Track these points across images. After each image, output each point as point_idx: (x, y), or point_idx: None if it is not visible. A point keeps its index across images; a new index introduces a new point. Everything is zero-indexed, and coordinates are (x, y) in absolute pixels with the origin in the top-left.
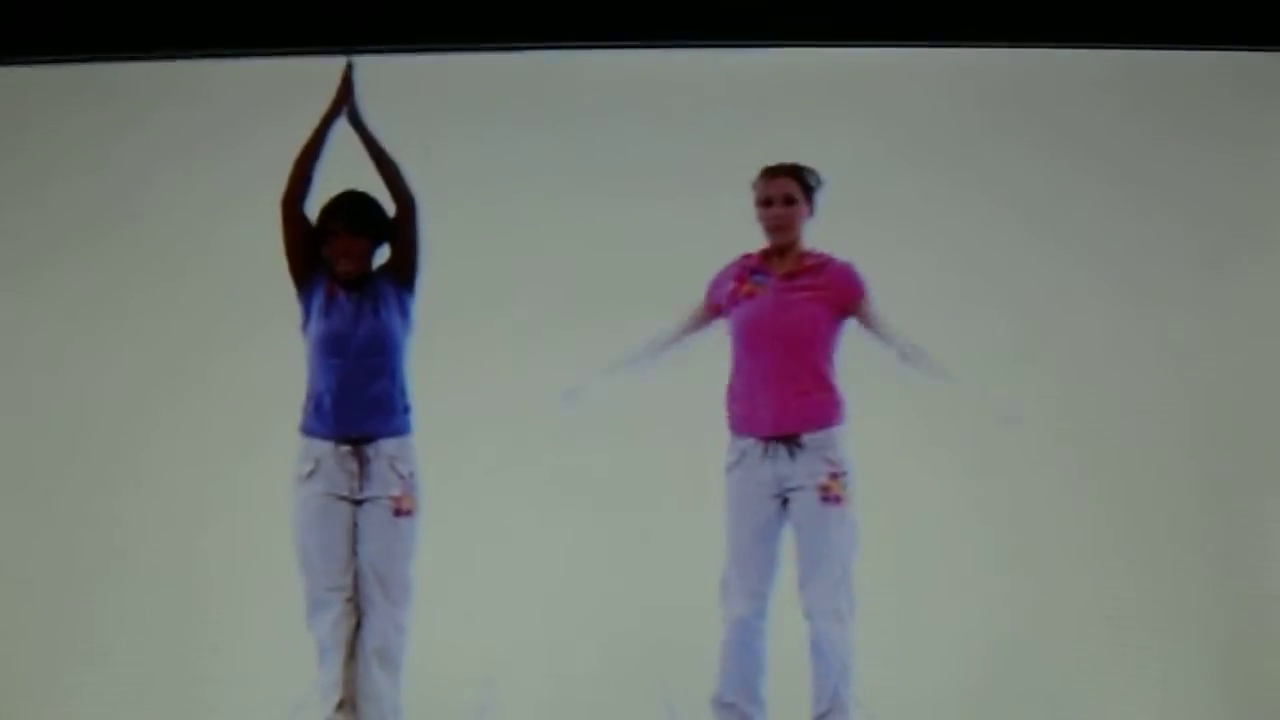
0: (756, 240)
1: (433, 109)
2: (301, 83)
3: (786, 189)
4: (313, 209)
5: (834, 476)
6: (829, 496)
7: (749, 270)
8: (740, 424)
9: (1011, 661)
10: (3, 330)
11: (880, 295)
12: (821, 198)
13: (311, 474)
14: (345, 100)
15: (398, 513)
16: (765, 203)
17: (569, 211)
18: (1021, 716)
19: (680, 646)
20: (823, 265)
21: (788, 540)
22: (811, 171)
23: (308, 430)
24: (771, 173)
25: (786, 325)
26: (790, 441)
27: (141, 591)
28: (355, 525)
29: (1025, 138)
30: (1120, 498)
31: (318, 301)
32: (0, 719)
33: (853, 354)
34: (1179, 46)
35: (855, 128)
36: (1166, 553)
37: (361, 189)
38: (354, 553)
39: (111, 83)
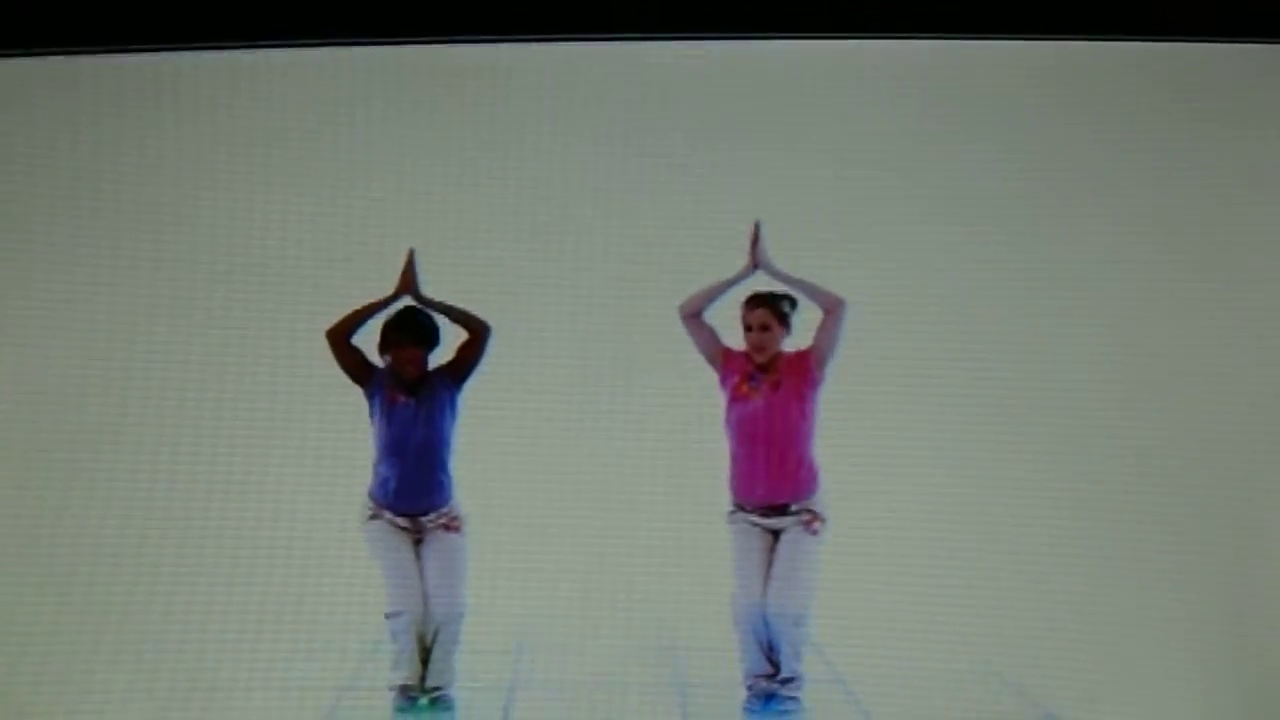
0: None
1: (435, 102)
2: (284, 71)
3: (763, 319)
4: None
5: (814, 518)
6: (810, 530)
7: (749, 374)
8: (738, 492)
9: (1003, 655)
10: (29, 325)
11: (880, 287)
12: (796, 320)
13: (374, 518)
14: (411, 285)
15: (447, 529)
16: (746, 328)
17: (573, 206)
18: (1011, 711)
19: (693, 631)
20: (792, 360)
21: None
22: (785, 298)
23: (373, 495)
24: (751, 303)
25: (775, 426)
26: (780, 509)
27: (150, 586)
28: (418, 556)
29: (1035, 126)
30: (1116, 493)
31: (380, 403)
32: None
33: (849, 352)
34: (1230, 40)
35: (866, 115)
36: (1164, 550)
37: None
38: (417, 562)
39: (99, 72)
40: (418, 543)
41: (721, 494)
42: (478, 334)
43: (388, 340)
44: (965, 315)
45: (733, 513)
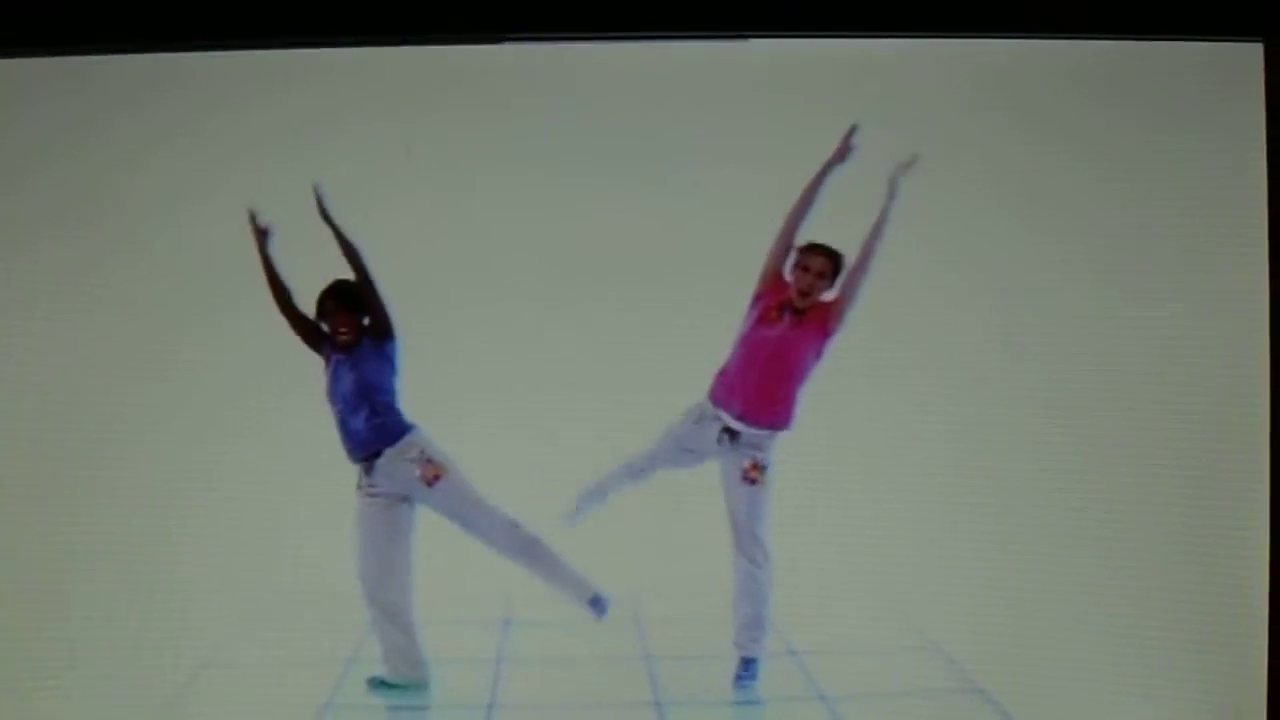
0: (757, 225)
1: (415, 101)
2: (274, 73)
3: (823, 267)
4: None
5: (755, 465)
6: (747, 478)
7: (781, 305)
8: (715, 395)
9: (993, 650)
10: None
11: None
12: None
13: (358, 485)
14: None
15: (429, 482)
16: (803, 269)
17: (560, 202)
18: (996, 706)
19: (666, 606)
20: (820, 307)
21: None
22: (844, 256)
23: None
24: (815, 249)
25: (784, 359)
26: (732, 434)
27: (117, 590)
28: (389, 521)
29: (1011, 128)
30: (1103, 488)
31: (328, 365)
32: None
33: (840, 345)
34: (1162, 37)
35: (843, 117)
36: (1149, 545)
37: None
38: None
39: (86, 74)
40: (403, 500)
41: (708, 473)
42: (358, 272)
43: (323, 309)
44: (932, 299)
45: (702, 405)
